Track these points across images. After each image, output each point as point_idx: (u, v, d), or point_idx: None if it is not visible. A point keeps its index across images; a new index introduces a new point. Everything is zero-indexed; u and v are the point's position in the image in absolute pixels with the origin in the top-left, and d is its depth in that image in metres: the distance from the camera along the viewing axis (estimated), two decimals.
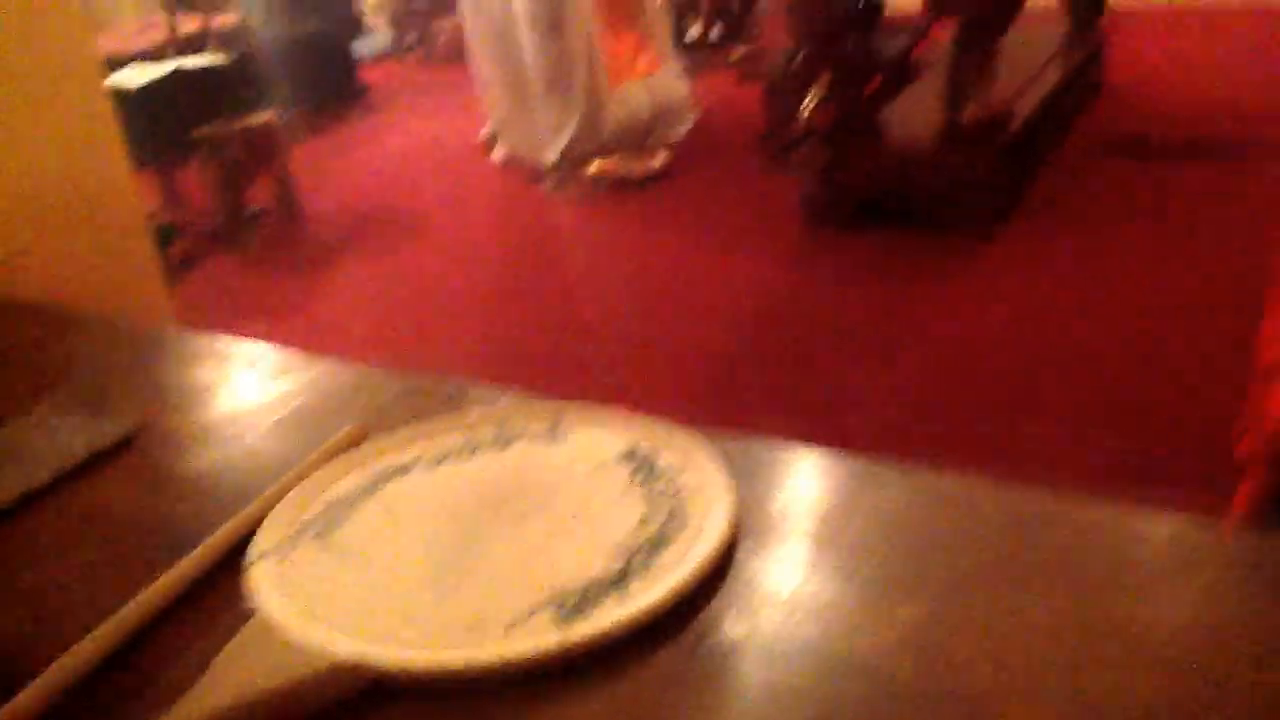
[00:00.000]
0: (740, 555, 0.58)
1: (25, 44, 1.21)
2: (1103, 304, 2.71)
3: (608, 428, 0.69)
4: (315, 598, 0.57)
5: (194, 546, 0.62)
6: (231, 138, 3.80)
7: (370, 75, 6.14)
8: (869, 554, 0.57)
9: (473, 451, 0.69)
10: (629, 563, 0.57)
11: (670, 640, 0.52)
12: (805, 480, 0.66)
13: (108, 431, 0.78)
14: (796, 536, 0.60)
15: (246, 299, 3.45)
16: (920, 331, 2.73)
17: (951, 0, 3.00)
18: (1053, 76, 3.83)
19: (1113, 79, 4.30)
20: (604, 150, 4.08)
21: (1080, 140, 3.78)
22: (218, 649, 0.53)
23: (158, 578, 0.60)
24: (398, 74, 6.50)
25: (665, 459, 0.65)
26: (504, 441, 0.70)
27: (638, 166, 4.02)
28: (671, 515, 0.60)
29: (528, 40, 4.07)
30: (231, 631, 0.54)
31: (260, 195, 4.00)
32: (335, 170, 4.65)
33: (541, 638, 0.52)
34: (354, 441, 0.72)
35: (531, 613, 0.54)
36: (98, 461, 0.76)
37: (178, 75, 3.91)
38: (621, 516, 0.61)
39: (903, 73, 3.77)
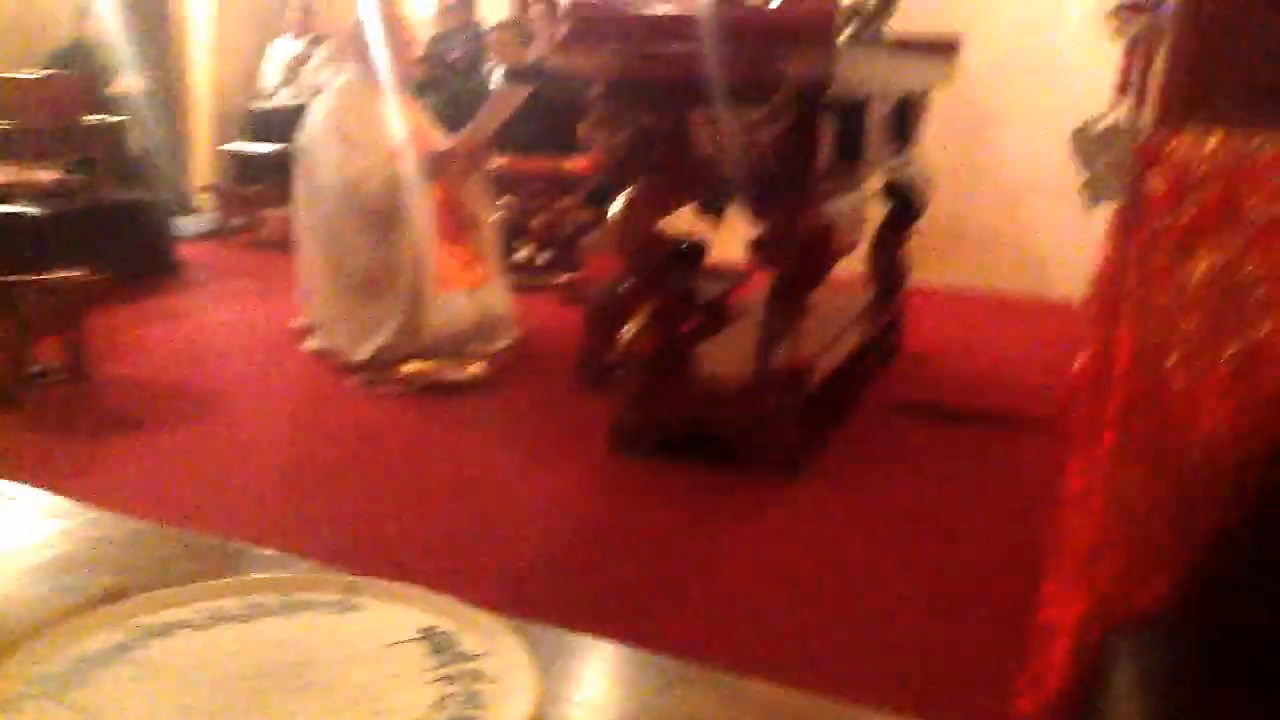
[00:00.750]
0: None
1: None
2: (890, 556, 2.80)
3: (405, 604, 0.64)
4: None
5: None
6: (29, 290, 3.60)
7: (191, 252, 6.01)
8: None
9: (251, 617, 0.62)
10: None
11: None
12: (613, 675, 0.63)
13: None
14: None
15: (15, 458, 3.19)
16: (714, 562, 2.75)
17: (770, 254, 3.18)
18: (855, 337, 4.08)
19: (909, 346, 4.62)
20: (421, 354, 4.06)
21: (876, 398, 4.00)
22: None
23: None
24: (219, 255, 6.40)
25: (467, 642, 0.60)
26: (288, 609, 0.63)
27: (453, 373, 4.00)
28: (469, 701, 0.55)
29: (357, 240, 4.09)
30: None
31: (49, 354, 3.77)
32: (135, 341, 4.45)
33: None
34: (114, 597, 0.64)
35: None
36: None
37: None
38: (412, 700, 0.55)
39: (719, 314, 3.95)
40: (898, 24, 4.15)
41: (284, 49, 7.22)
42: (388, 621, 0.62)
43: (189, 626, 0.61)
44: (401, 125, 4.20)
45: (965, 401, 3.96)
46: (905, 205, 4.40)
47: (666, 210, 3.32)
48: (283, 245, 4.98)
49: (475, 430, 3.67)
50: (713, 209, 3.44)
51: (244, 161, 7.03)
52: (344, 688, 0.56)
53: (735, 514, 3.05)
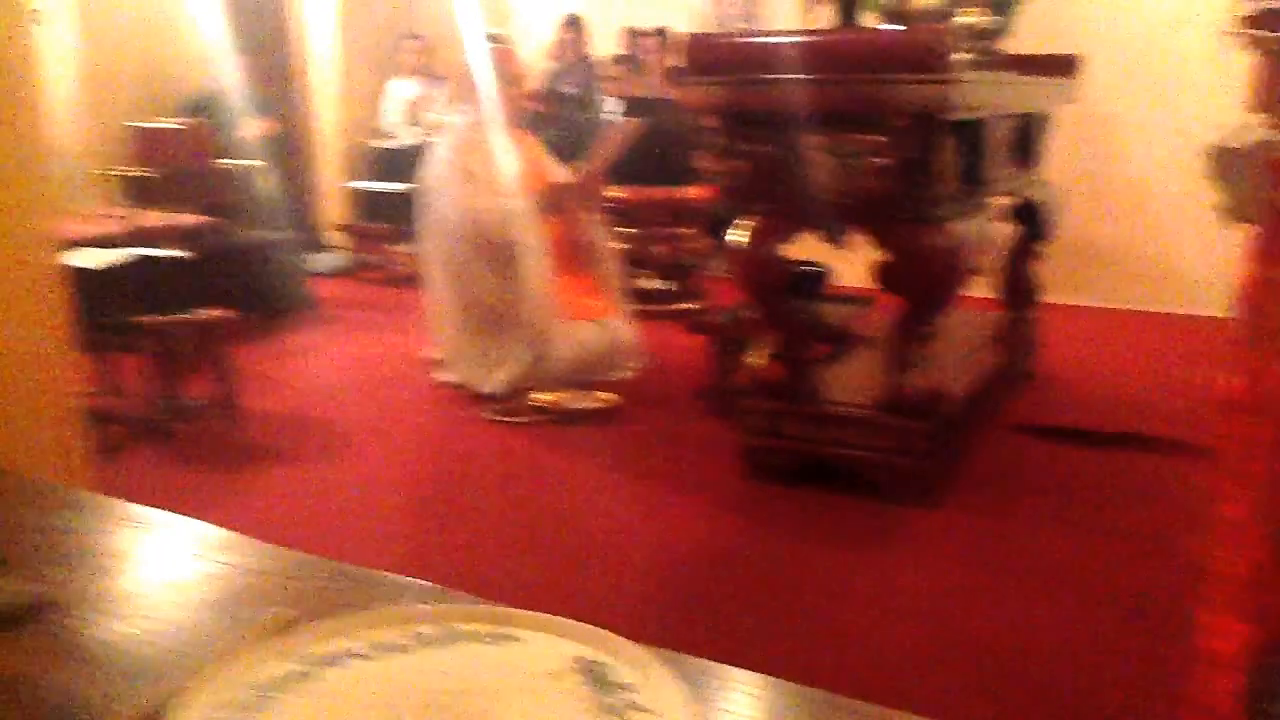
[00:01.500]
0: None
1: None
2: (1025, 586, 2.72)
3: (558, 634, 0.65)
4: None
5: None
6: (180, 329, 3.79)
7: (324, 289, 6.23)
8: None
9: (413, 648, 0.65)
10: None
11: None
12: (760, 706, 0.63)
13: (14, 591, 0.72)
14: None
15: (171, 490, 3.35)
16: (846, 591, 2.71)
17: (895, 279, 3.14)
18: (986, 360, 3.99)
19: (1042, 368, 4.50)
20: (549, 385, 4.12)
21: (1009, 422, 3.89)
22: None
23: None
24: (352, 291, 6.61)
25: (621, 673, 0.61)
26: (447, 640, 0.65)
27: (581, 402, 4.05)
28: None
29: (482, 275, 4.18)
30: None
31: (199, 390, 3.96)
32: (277, 375, 4.63)
33: None
34: (281, 627, 0.67)
35: None
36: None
37: (140, 261, 3.94)
38: None
39: (847, 340, 3.91)
40: (1019, 45, 4.09)
41: (401, 89, 7.45)
42: (542, 652, 0.64)
43: (357, 656, 0.63)
44: (519, 161, 4.29)
45: (1100, 424, 3.83)
46: (1033, 225, 4.30)
47: (785, 238, 3.31)
48: (412, 280, 5.13)
49: (605, 459, 3.70)
50: (833, 236, 3.41)
51: (370, 200, 7.27)
52: (508, 718, 0.58)
53: (868, 541, 3.01)
